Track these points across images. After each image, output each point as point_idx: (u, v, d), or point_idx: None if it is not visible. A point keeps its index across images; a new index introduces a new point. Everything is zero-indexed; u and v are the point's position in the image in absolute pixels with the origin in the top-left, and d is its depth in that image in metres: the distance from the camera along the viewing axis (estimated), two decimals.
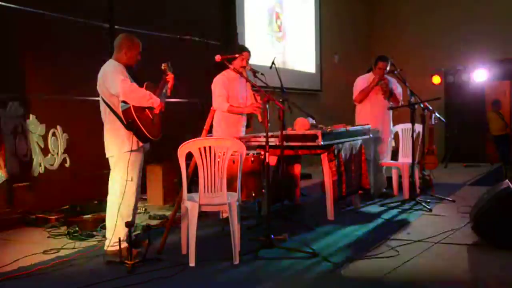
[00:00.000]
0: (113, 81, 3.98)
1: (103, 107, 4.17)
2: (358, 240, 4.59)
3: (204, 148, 3.86)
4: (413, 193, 6.12)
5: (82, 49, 6.08)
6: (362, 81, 6.63)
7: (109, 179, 4.19)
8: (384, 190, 6.73)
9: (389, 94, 6.47)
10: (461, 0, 12.26)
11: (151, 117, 4.12)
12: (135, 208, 4.27)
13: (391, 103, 6.56)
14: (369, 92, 6.51)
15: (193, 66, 7.54)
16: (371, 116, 6.49)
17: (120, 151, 4.09)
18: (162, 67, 4.33)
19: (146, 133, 4.03)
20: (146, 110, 4.09)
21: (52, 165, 5.73)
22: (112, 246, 4.07)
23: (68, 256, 4.19)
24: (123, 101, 3.98)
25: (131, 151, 4.09)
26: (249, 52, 5.37)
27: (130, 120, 3.98)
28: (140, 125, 3.99)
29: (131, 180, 4.09)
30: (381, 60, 6.45)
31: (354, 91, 6.65)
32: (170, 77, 4.33)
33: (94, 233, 4.82)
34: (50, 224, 5.19)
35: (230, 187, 4.00)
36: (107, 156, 4.20)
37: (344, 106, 8.76)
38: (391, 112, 6.64)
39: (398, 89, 6.61)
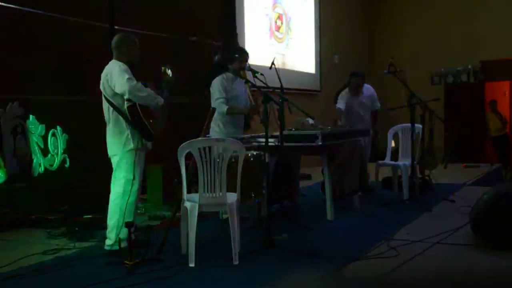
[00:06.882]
0: (118, 80, 3.99)
1: (106, 107, 4.18)
2: (358, 240, 4.58)
3: (204, 148, 3.86)
4: (413, 193, 6.13)
5: (82, 49, 6.09)
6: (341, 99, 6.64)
7: (112, 178, 4.18)
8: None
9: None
10: (461, 1, 12.26)
11: (154, 116, 4.14)
12: (136, 208, 4.27)
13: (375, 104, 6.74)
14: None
15: (193, 66, 7.54)
16: (347, 119, 6.49)
17: (124, 150, 4.10)
18: (162, 70, 4.34)
19: (151, 129, 4.05)
20: (150, 108, 4.10)
21: (52, 165, 5.73)
22: (112, 246, 4.08)
23: (68, 256, 4.19)
24: (128, 99, 3.99)
25: (136, 149, 4.10)
26: (247, 53, 5.39)
27: (136, 117, 4.00)
28: (145, 121, 4.01)
29: (134, 178, 4.10)
30: (353, 76, 6.55)
31: (338, 102, 6.59)
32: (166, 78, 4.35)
33: (94, 233, 4.81)
34: (50, 224, 5.19)
35: (230, 187, 3.99)
36: (109, 155, 4.20)
37: None
38: (365, 116, 6.69)
39: (375, 103, 6.76)
